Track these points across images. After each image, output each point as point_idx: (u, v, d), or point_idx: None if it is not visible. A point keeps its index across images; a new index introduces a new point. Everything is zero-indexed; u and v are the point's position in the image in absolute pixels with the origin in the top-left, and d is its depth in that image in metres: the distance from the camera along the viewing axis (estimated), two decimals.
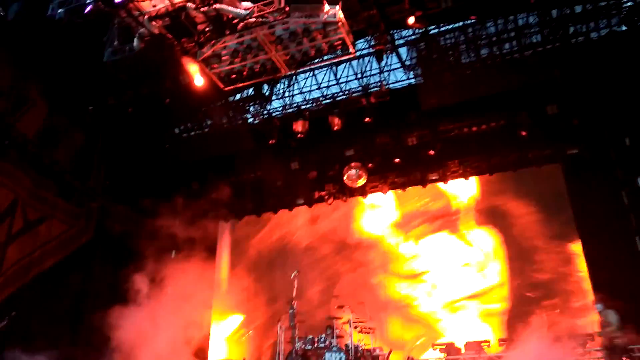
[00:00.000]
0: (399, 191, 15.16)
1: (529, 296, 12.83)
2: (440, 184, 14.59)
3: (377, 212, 15.71)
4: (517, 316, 12.37)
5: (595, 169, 12.23)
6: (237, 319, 15.79)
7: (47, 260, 12.15)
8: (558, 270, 12.70)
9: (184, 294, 11.33)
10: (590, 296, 11.55)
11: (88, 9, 7.77)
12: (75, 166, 12.85)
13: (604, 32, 12.01)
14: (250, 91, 14.68)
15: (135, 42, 8.61)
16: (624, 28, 11.91)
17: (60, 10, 7.98)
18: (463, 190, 14.75)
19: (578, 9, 12.03)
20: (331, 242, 15.40)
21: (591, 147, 12.37)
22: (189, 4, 8.64)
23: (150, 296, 10.93)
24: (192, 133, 15.08)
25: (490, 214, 14.14)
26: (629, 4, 11.64)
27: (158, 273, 11.44)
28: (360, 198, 15.31)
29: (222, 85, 10.41)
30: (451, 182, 14.35)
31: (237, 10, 9.01)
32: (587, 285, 11.90)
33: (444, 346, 12.18)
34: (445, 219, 14.84)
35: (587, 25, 12.05)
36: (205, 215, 13.45)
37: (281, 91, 14.81)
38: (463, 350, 11.80)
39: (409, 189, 14.91)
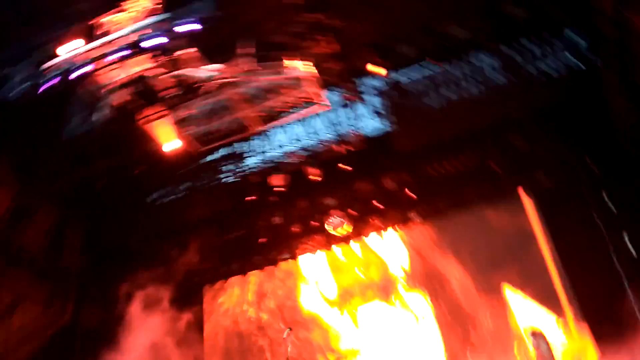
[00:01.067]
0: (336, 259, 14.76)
1: None
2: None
3: (313, 288, 15.13)
4: None
5: (568, 199, 12.23)
6: None
7: (22, 348, 11.46)
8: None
9: None
10: None
11: (42, 88, 7.60)
12: (47, 246, 12.36)
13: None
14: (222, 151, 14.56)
15: (95, 116, 8.46)
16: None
17: (13, 93, 7.79)
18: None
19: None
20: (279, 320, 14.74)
21: (563, 179, 12.42)
22: (154, 72, 8.59)
23: None
24: (167, 199, 14.76)
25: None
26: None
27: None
28: (298, 269, 14.89)
29: (195, 148, 10.33)
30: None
31: (200, 75, 9.00)
32: None
33: None
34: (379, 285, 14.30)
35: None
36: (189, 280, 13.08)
37: (256, 147, 14.72)
38: None
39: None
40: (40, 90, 7.64)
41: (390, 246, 14.54)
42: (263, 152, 14.63)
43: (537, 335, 9.73)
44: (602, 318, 10.65)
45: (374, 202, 14.03)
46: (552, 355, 9.39)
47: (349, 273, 14.68)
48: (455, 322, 12.82)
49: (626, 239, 10.86)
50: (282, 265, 15.08)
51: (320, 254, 14.83)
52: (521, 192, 13.05)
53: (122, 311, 12.30)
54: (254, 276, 15.33)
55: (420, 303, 13.51)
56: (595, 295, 11.11)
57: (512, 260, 12.40)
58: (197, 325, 14.34)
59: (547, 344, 9.48)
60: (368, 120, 13.76)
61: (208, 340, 14.80)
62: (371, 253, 14.64)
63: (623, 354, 9.48)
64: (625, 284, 10.87)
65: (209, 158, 14.46)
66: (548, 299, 11.89)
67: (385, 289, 14.06)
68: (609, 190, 11.56)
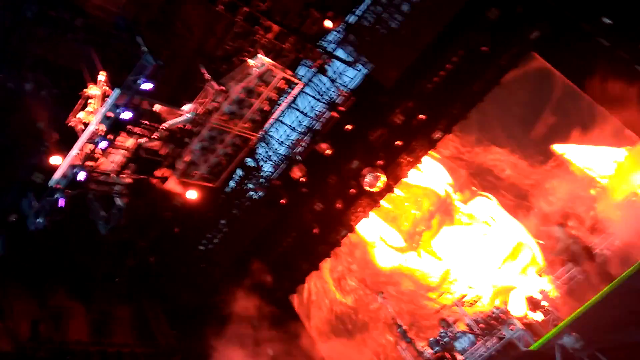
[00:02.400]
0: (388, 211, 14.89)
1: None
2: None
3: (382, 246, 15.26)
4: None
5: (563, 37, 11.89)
6: None
7: None
8: None
9: None
10: None
11: (61, 203, 7.91)
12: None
13: None
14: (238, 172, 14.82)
15: (118, 201, 8.75)
16: None
17: (39, 221, 8.15)
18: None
19: None
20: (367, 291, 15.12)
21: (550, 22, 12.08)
22: (141, 140, 8.81)
23: None
24: (216, 240, 15.15)
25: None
26: None
27: None
28: (360, 237, 15.12)
29: (212, 184, 10.54)
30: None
31: (183, 118, 9.16)
32: None
33: None
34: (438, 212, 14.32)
35: None
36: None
37: (264, 153, 14.95)
38: None
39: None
40: (60, 204, 7.93)
41: (430, 172, 14.58)
42: (273, 154, 14.87)
43: None
44: None
45: (395, 142, 14.09)
46: None
47: (405, 216, 14.83)
48: (522, 202, 12.76)
49: None
50: (345, 242, 15.40)
51: (372, 214, 15.02)
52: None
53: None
54: (325, 265, 15.73)
55: (483, 206, 13.50)
56: None
57: (548, 119, 12.26)
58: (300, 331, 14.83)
59: None
60: (345, 75, 13.78)
61: (315, 335, 15.35)
62: (416, 188, 14.69)
63: None
64: None
65: (230, 185, 14.84)
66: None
67: (445, 212, 14.15)
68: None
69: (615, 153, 11.55)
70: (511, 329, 9.31)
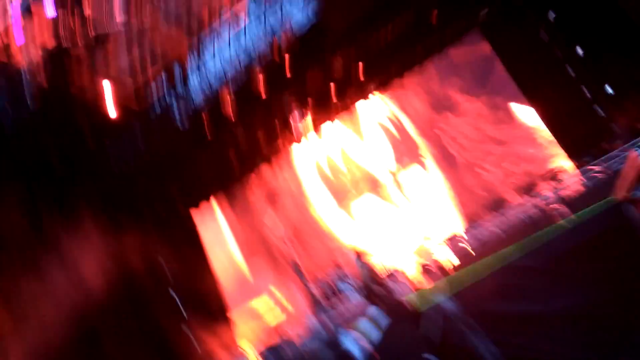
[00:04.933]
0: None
1: None
2: None
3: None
4: None
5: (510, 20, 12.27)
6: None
7: None
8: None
9: None
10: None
11: None
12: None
13: None
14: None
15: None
16: None
17: None
18: None
19: None
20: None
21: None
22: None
23: None
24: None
25: None
26: None
27: None
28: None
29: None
30: None
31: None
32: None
33: None
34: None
35: None
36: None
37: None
38: None
39: None
40: None
41: (365, 134, 14.92)
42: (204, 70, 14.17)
43: None
44: None
45: (331, 85, 14.05)
46: None
47: (334, 171, 15.30)
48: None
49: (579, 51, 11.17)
50: (261, 173, 15.55)
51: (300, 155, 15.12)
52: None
53: None
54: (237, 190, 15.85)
55: (414, 175, 14.24)
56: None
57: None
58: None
59: None
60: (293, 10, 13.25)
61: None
62: (350, 147, 15.01)
63: None
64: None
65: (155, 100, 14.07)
66: None
67: (373, 180, 14.77)
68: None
69: None
70: (400, 289, 9.86)
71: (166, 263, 14.78)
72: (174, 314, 13.88)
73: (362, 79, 14.03)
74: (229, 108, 13.72)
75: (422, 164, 14.23)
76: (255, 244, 16.43)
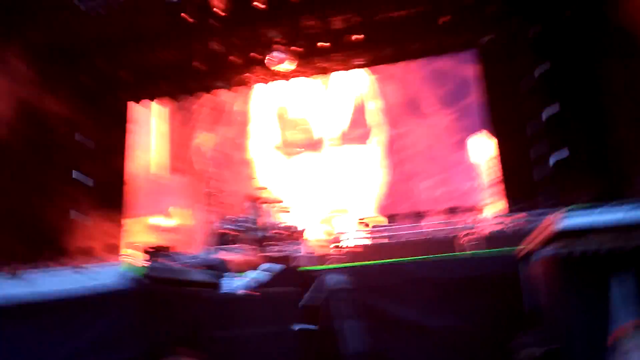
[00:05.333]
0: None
1: None
2: None
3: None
4: None
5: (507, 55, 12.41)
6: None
7: None
8: None
9: None
10: None
11: None
12: None
13: None
14: None
15: None
16: None
17: None
18: None
19: None
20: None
21: (506, 35, 12.44)
22: None
23: None
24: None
25: None
26: None
27: None
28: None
29: None
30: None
31: None
32: None
33: None
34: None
35: None
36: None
37: None
38: None
39: None
40: None
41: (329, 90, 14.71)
42: None
43: None
44: None
45: (320, 42, 13.60)
46: None
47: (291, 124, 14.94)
48: None
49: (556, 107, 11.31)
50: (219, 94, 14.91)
51: (258, 86, 14.70)
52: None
53: None
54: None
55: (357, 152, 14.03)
56: None
57: None
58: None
59: None
60: None
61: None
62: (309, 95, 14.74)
63: None
64: None
65: None
66: None
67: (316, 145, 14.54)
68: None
69: None
70: (297, 249, 9.65)
71: (83, 137, 13.93)
72: (68, 196, 13.07)
73: (353, 50, 13.71)
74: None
75: (368, 148, 14.30)
76: (178, 162, 15.94)
